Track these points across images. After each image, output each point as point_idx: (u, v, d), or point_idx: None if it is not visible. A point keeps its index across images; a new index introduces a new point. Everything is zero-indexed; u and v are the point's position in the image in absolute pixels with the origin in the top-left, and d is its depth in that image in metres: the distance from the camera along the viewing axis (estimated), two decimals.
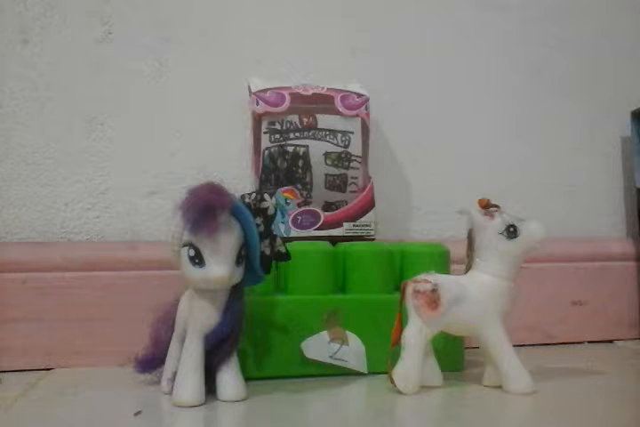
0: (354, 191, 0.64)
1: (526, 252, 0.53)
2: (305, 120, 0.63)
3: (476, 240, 0.53)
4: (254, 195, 0.49)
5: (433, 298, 0.51)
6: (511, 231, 0.52)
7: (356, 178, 0.64)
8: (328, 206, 0.64)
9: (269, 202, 0.49)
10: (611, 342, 0.77)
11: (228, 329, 0.48)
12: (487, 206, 0.53)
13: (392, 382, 0.51)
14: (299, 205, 0.63)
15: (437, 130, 0.78)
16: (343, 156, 0.64)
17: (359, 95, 0.65)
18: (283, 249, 0.50)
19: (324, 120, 0.63)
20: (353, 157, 0.64)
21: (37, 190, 0.67)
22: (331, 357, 0.56)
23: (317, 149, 0.63)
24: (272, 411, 0.47)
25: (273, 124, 0.63)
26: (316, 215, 0.63)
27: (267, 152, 0.63)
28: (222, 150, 0.71)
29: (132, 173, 0.69)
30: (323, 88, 0.65)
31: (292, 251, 0.51)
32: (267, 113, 0.63)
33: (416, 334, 0.51)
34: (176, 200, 0.46)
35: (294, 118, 0.63)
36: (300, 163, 0.63)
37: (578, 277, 0.77)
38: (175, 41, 0.71)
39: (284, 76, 0.72)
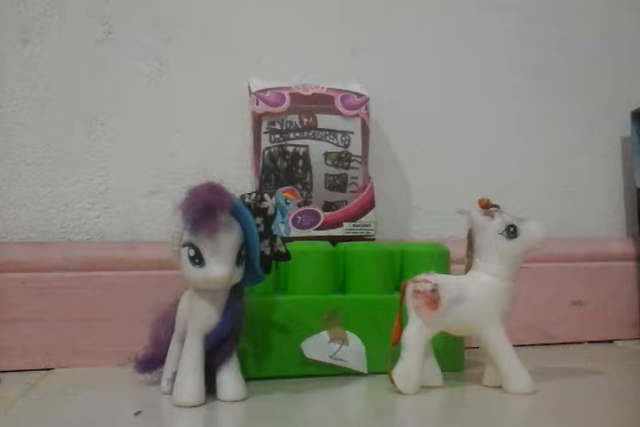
0: (354, 191, 0.64)
1: (526, 252, 0.53)
2: (305, 120, 0.63)
3: (476, 240, 0.53)
4: (254, 195, 0.49)
5: (433, 298, 0.51)
6: (511, 231, 0.52)
7: (356, 178, 0.64)
8: (328, 206, 0.64)
9: (269, 202, 0.49)
10: (611, 342, 0.77)
11: (228, 329, 0.48)
12: (487, 206, 0.53)
13: (392, 382, 0.51)
14: (299, 205, 0.63)
15: (437, 130, 0.78)
16: (343, 156, 0.64)
17: (359, 95, 0.65)
18: (283, 249, 0.50)
19: (324, 120, 0.63)
20: (353, 157, 0.64)
21: (37, 190, 0.67)
22: (331, 357, 0.56)
23: (317, 149, 0.63)
24: (272, 411, 0.47)
25: (273, 124, 0.63)
26: (316, 215, 0.63)
27: (267, 152, 0.63)
28: (222, 150, 0.71)
29: (132, 173, 0.69)
30: (323, 88, 0.65)
31: (292, 251, 0.51)
32: (267, 113, 0.63)
33: (416, 334, 0.51)
34: (176, 200, 0.46)
35: (294, 118, 0.63)
36: (300, 163, 0.63)
37: (578, 277, 0.77)
38: (175, 41, 0.71)
39: (284, 76, 0.72)
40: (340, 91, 0.65)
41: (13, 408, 0.49)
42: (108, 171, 0.69)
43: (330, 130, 0.63)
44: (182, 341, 0.50)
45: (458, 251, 0.59)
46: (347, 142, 0.64)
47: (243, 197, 0.49)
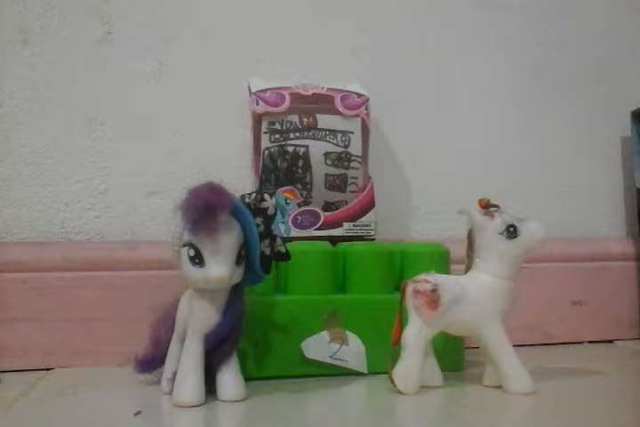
0: (354, 191, 0.64)
1: (526, 252, 0.53)
2: (305, 120, 0.63)
3: (476, 240, 0.53)
4: (254, 195, 0.49)
5: (433, 298, 0.51)
6: (511, 231, 0.52)
7: (356, 178, 0.64)
8: (328, 206, 0.64)
9: (269, 202, 0.49)
10: (611, 342, 0.77)
11: (228, 329, 0.48)
12: (487, 206, 0.53)
13: (392, 382, 0.51)
14: (299, 205, 0.63)
15: (437, 130, 0.78)
16: (343, 156, 0.64)
17: (359, 95, 0.65)
18: (283, 249, 0.50)
19: (324, 120, 0.63)
20: (353, 157, 0.64)
21: (37, 190, 0.67)
22: (331, 357, 0.56)
23: (317, 149, 0.63)
24: (272, 411, 0.47)
25: (273, 124, 0.63)
26: (316, 215, 0.63)
27: (267, 152, 0.63)
28: (222, 150, 0.71)
29: (132, 173, 0.69)
30: (323, 88, 0.65)
31: (292, 251, 0.51)
32: (267, 113, 0.63)
33: (416, 334, 0.51)
34: (176, 200, 0.46)
35: (294, 118, 0.63)
36: (300, 163, 0.63)
37: (578, 277, 0.77)
38: (175, 41, 0.71)
39: (284, 76, 0.72)
40: (340, 91, 0.65)
41: (13, 408, 0.49)
42: (107, 171, 0.69)
43: (330, 130, 0.63)
44: (182, 341, 0.50)
45: (458, 251, 0.59)
46: (347, 142, 0.64)
47: (243, 197, 0.49)
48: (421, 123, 0.77)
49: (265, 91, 0.63)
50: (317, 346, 0.56)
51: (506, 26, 0.81)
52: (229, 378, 0.49)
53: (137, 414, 0.46)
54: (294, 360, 0.56)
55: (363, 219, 0.64)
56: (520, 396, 0.51)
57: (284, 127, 0.63)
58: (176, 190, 0.67)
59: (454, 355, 0.59)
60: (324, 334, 0.56)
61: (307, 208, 0.63)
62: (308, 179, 0.63)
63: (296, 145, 0.63)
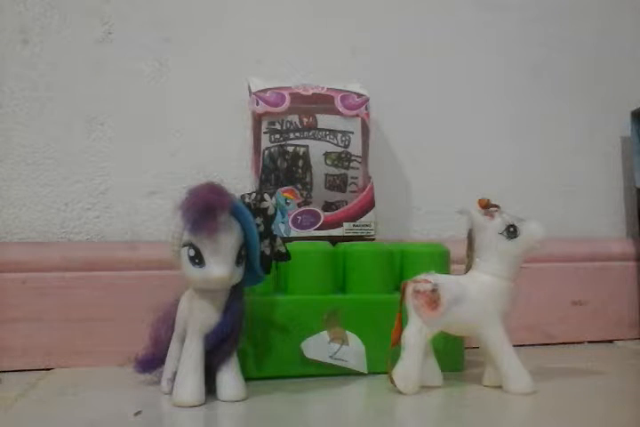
0: (354, 191, 0.64)
1: (526, 252, 0.53)
2: (305, 120, 0.63)
3: (476, 240, 0.53)
4: (254, 195, 0.49)
5: (433, 298, 0.51)
6: (511, 231, 0.52)
7: (356, 178, 0.64)
8: (328, 206, 0.64)
9: (269, 202, 0.49)
10: (611, 342, 0.77)
11: (228, 329, 0.48)
12: (487, 206, 0.53)
13: (392, 382, 0.51)
14: (299, 205, 0.63)
15: (437, 130, 0.78)
16: (343, 156, 0.64)
17: (359, 95, 0.65)
18: (283, 249, 0.50)
19: (324, 120, 0.63)
20: (353, 157, 0.64)
21: (37, 190, 0.67)
22: (331, 357, 0.56)
23: (317, 149, 0.63)
24: (272, 411, 0.47)
25: (273, 124, 0.63)
26: (316, 215, 0.63)
27: (267, 152, 0.63)
28: (222, 150, 0.71)
29: (132, 173, 0.69)
30: (323, 88, 0.65)
31: (292, 251, 0.51)
32: (267, 113, 0.63)
33: (416, 334, 0.51)
34: (176, 200, 0.46)
35: (294, 118, 0.63)
36: (300, 163, 0.63)
37: (578, 277, 0.77)
38: (175, 41, 0.71)
39: (284, 76, 0.72)
40: (340, 91, 0.65)
41: (13, 408, 0.49)
42: (107, 171, 0.69)
43: (330, 130, 0.63)
44: (182, 341, 0.50)
45: (458, 251, 0.59)
46: (347, 142, 0.64)
47: (243, 197, 0.49)
48: (421, 123, 0.77)
49: (265, 91, 0.63)
50: (317, 346, 0.56)
51: (506, 26, 0.81)
52: (229, 378, 0.49)
53: (137, 414, 0.46)
54: (294, 360, 0.56)
55: (363, 219, 0.64)
56: (520, 396, 0.51)
57: (284, 127, 0.63)
58: (176, 190, 0.67)
59: (454, 355, 0.59)
60: (324, 334, 0.56)
61: (307, 208, 0.63)
62: (308, 179, 0.63)
63: (296, 145, 0.63)
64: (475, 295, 0.52)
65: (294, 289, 0.58)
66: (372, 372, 0.56)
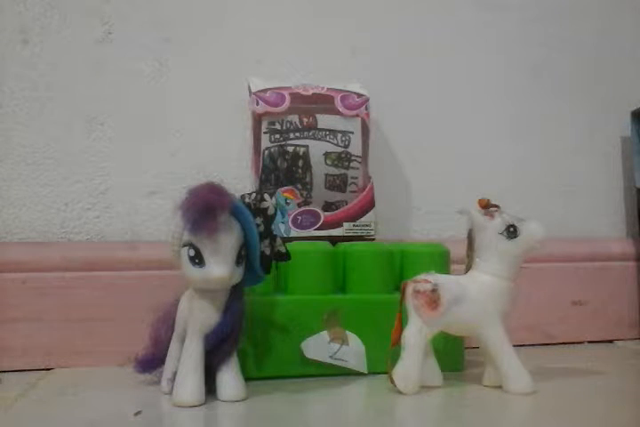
0: (354, 191, 0.64)
1: (526, 252, 0.53)
2: (305, 120, 0.63)
3: (476, 240, 0.53)
4: (254, 195, 0.49)
5: (433, 298, 0.51)
6: (511, 231, 0.52)
7: (356, 178, 0.64)
8: (328, 206, 0.64)
9: (269, 202, 0.49)
10: (611, 342, 0.77)
11: (228, 329, 0.48)
12: (487, 206, 0.53)
13: (392, 382, 0.51)
14: (299, 205, 0.63)
15: (437, 130, 0.78)
16: (343, 156, 0.64)
17: (359, 95, 0.65)
18: (283, 249, 0.50)
19: (324, 120, 0.63)
20: (353, 157, 0.64)
21: (37, 190, 0.67)
22: (331, 357, 0.56)
23: (317, 149, 0.63)
24: (272, 411, 0.47)
25: (273, 124, 0.63)
26: (316, 215, 0.63)
27: (267, 152, 0.63)
28: (222, 150, 0.71)
29: (132, 173, 0.69)
30: (323, 88, 0.65)
31: (292, 251, 0.51)
32: (267, 113, 0.63)
33: (416, 334, 0.51)
34: (176, 200, 0.46)
35: (294, 118, 0.63)
36: (300, 163, 0.63)
37: (578, 277, 0.77)
38: (175, 41, 0.71)
39: (284, 76, 0.72)
40: (340, 91, 0.65)
41: (13, 408, 0.49)
42: (107, 171, 0.69)
43: (330, 130, 0.63)
44: (182, 341, 0.50)
45: (458, 251, 0.59)
46: (347, 142, 0.64)
47: (243, 197, 0.49)
48: (421, 123, 0.77)
49: (265, 91, 0.63)
50: (317, 346, 0.56)
51: (506, 26, 0.81)
52: (229, 378, 0.49)
53: (137, 414, 0.46)
54: (294, 360, 0.56)
55: (363, 219, 0.64)
56: (520, 396, 0.51)
57: (284, 127, 0.63)
58: (176, 190, 0.67)
59: (454, 355, 0.59)
60: (324, 334, 0.56)
61: (307, 208, 0.63)
62: (308, 179, 0.63)
63: (296, 145, 0.63)
64: (475, 295, 0.52)
65: (294, 289, 0.58)
66: (372, 372, 0.56)
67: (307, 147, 0.63)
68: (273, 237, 0.50)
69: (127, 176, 0.69)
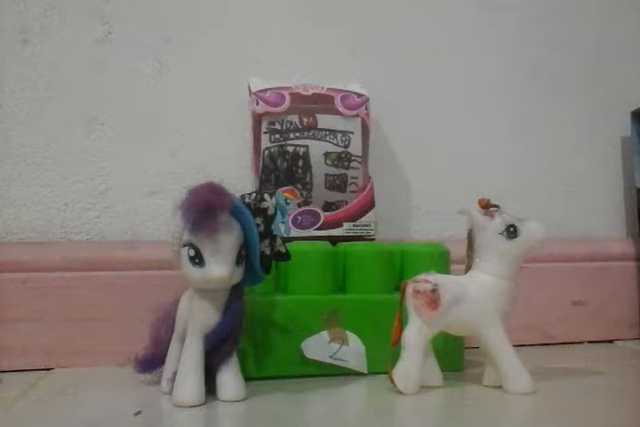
0: (354, 191, 0.64)
1: (526, 252, 0.53)
2: (305, 120, 0.63)
3: (476, 240, 0.53)
4: (254, 195, 0.49)
5: (433, 298, 0.51)
6: (511, 231, 0.52)
7: (356, 178, 0.64)
8: (328, 206, 0.64)
9: (269, 202, 0.49)
10: (611, 342, 0.77)
11: (228, 329, 0.48)
12: (487, 206, 0.53)
13: (392, 382, 0.51)
14: (299, 205, 0.63)
15: (437, 130, 0.78)
16: (343, 156, 0.64)
17: (359, 95, 0.65)
18: (283, 249, 0.50)
19: (324, 120, 0.63)
20: (353, 157, 0.64)
21: (37, 190, 0.67)
22: (331, 357, 0.56)
23: (317, 149, 0.63)
24: (272, 411, 0.47)
25: (273, 124, 0.63)
26: (316, 215, 0.63)
27: (267, 152, 0.63)
28: (222, 150, 0.71)
29: (132, 173, 0.69)
30: (323, 88, 0.65)
31: (292, 251, 0.51)
32: (267, 113, 0.63)
33: (416, 334, 0.51)
34: (176, 200, 0.46)
35: (294, 118, 0.63)
36: (300, 163, 0.63)
37: (578, 277, 0.77)
38: (175, 41, 0.71)
39: (284, 76, 0.72)
40: (340, 91, 0.65)
41: (13, 408, 0.49)
42: (108, 171, 0.69)
43: (330, 130, 0.63)
44: (182, 341, 0.50)
45: (458, 251, 0.59)
46: (347, 142, 0.64)
47: (243, 197, 0.49)
48: (421, 123, 0.77)
49: (265, 91, 0.63)
50: (317, 346, 0.56)
51: (506, 26, 0.81)
52: (229, 378, 0.49)
53: (137, 414, 0.46)
54: (294, 360, 0.56)
55: (363, 219, 0.64)
56: (520, 396, 0.51)
57: (284, 127, 0.63)
58: (176, 190, 0.67)
59: (454, 355, 0.59)
60: (324, 334, 0.56)
61: (307, 208, 0.63)
62: (308, 179, 0.63)
63: (296, 145, 0.63)
64: (475, 295, 0.52)
65: (294, 289, 0.58)
66: (372, 372, 0.56)
67: (307, 147, 0.63)
68: (273, 237, 0.50)
69: (127, 176, 0.69)
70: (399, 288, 0.54)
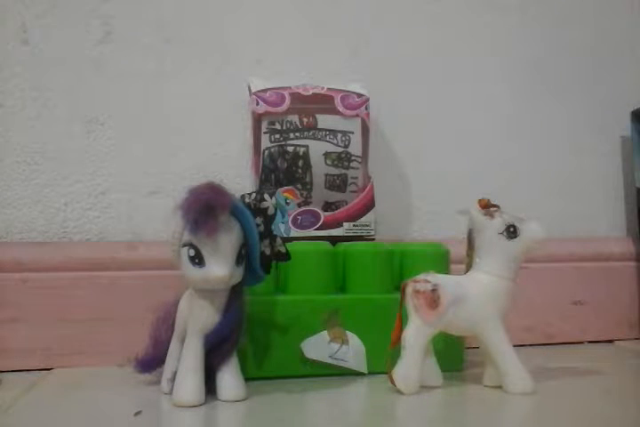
0: (354, 191, 0.64)
1: (526, 252, 0.53)
2: (305, 120, 0.63)
3: (476, 240, 0.53)
4: (254, 195, 0.49)
5: (433, 298, 0.51)
6: (511, 231, 0.52)
7: (356, 178, 0.64)
8: (328, 206, 0.64)
9: (269, 202, 0.49)
10: (611, 342, 0.77)
11: (227, 329, 0.48)
12: (487, 206, 0.53)
13: (392, 382, 0.51)
14: (299, 205, 0.63)
15: (437, 130, 0.78)
16: (343, 156, 0.64)
17: (359, 95, 0.65)
18: (283, 249, 0.50)
19: (324, 120, 0.63)
20: (353, 157, 0.64)
21: (37, 190, 0.67)
22: (331, 357, 0.56)
23: (317, 149, 0.63)
24: (272, 411, 0.47)
25: (273, 124, 0.63)
26: (316, 215, 0.63)
27: (267, 152, 0.63)
28: (222, 150, 0.71)
29: (132, 173, 0.69)
30: (323, 88, 0.65)
31: (292, 251, 0.51)
32: (267, 113, 0.63)
33: (416, 334, 0.51)
34: (176, 200, 0.46)
35: (294, 118, 0.63)
36: (300, 163, 0.63)
37: (578, 277, 0.77)
38: (175, 41, 0.71)
39: (284, 76, 0.72)
40: (340, 91, 0.65)
41: (13, 408, 0.49)
42: (108, 171, 0.69)
43: (330, 130, 0.63)
44: (182, 341, 0.50)
45: (458, 251, 0.59)
46: (347, 142, 0.64)
47: (243, 197, 0.49)
48: (421, 123, 0.77)
49: (265, 91, 0.63)
50: (317, 346, 0.56)
51: (506, 26, 0.81)
52: (229, 378, 0.49)
53: (137, 414, 0.46)
54: (294, 360, 0.56)
55: (363, 219, 0.64)
56: (520, 396, 0.51)
57: (284, 127, 0.63)
58: (176, 190, 0.67)
59: (454, 355, 0.59)
60: (324, 334, 0.56)
61: (307, 208, 0.63)
62: (308, 179, 0.63)
63: (296, 145, 0.63)
64: (475, 295, 0.52)
65: (294, 289, 0.58)
66: (372, 372, 0.56)
67: (307, 147, 0.63)
68: (273, 237, 0.50)
69: (127, 176, 0.69)
70: (399, 288, 0.54)
